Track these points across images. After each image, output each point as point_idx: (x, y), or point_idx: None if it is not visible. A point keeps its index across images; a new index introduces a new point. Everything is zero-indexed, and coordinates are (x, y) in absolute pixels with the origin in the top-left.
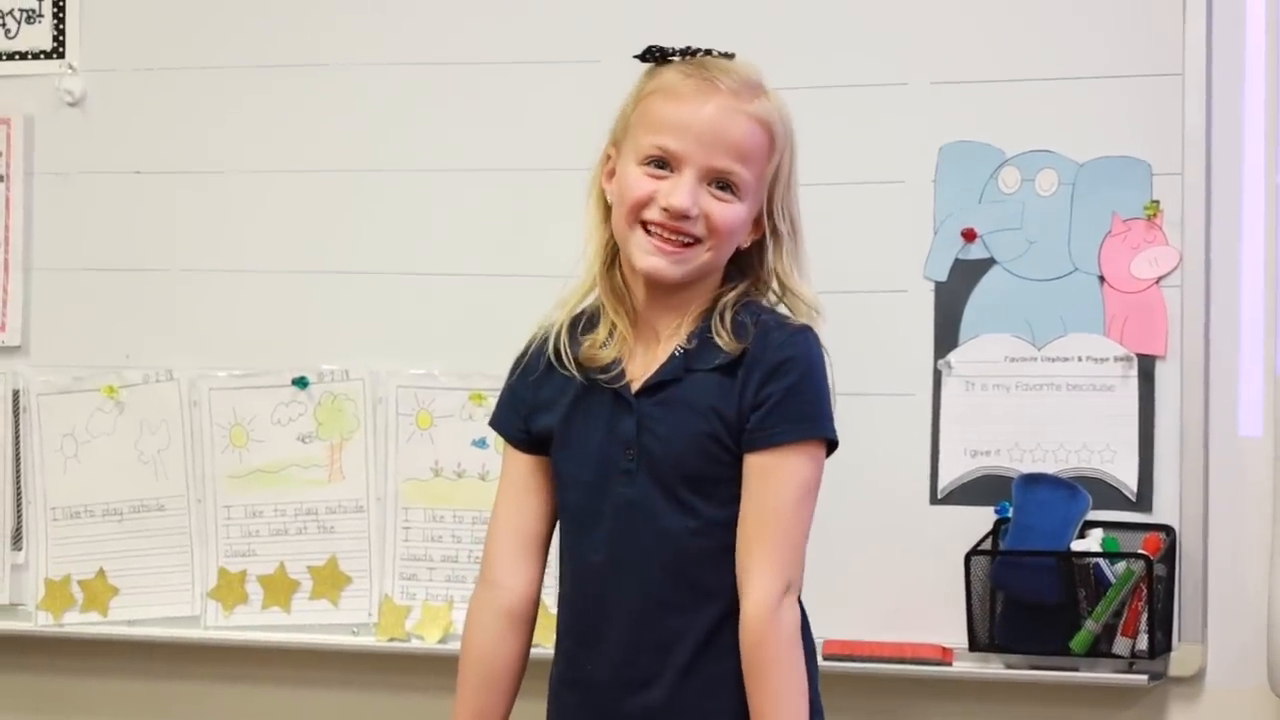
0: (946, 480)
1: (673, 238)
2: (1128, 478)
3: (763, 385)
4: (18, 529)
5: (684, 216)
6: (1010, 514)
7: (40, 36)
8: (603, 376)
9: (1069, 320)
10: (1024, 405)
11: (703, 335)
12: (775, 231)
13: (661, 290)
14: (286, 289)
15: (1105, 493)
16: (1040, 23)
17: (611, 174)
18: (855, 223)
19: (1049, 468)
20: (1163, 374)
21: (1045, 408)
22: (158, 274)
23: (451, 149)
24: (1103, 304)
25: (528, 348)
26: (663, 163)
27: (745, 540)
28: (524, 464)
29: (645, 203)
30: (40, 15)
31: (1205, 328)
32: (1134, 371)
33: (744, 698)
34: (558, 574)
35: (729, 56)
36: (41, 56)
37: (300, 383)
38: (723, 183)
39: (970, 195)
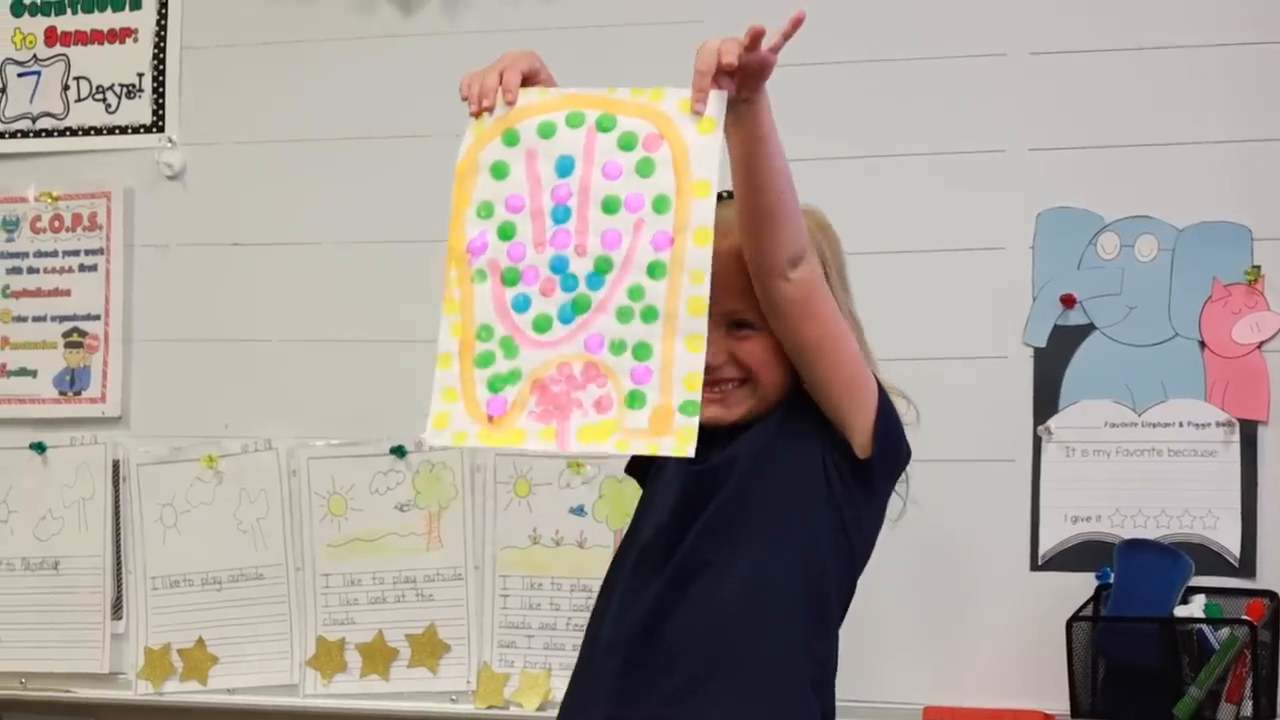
0: (1047, 546)
1: (714, 390)
2: (1230, 543)
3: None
4: (118, 598)
5: (709, 369)
6: (1112, 580)
7: (140, 111)
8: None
9: (1170, 385)
10: (1125, 471)
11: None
12: None
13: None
14: (384, 358)
15: (1208, 558)
16: (1138, 88)
17: None
18: (955, 289)
19: (1150, 533)
20: (1265, 439)
21: (1146, 473)
22: (256, 344)
23: None
24: (1204, 369)
25: None
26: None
27: None
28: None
29: None
30: (140, 90)
31: None
32: (1236, 436)
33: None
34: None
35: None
36: (141, 130)
37: (398, 451)
38: (737, 322)
39: (1069, 261)
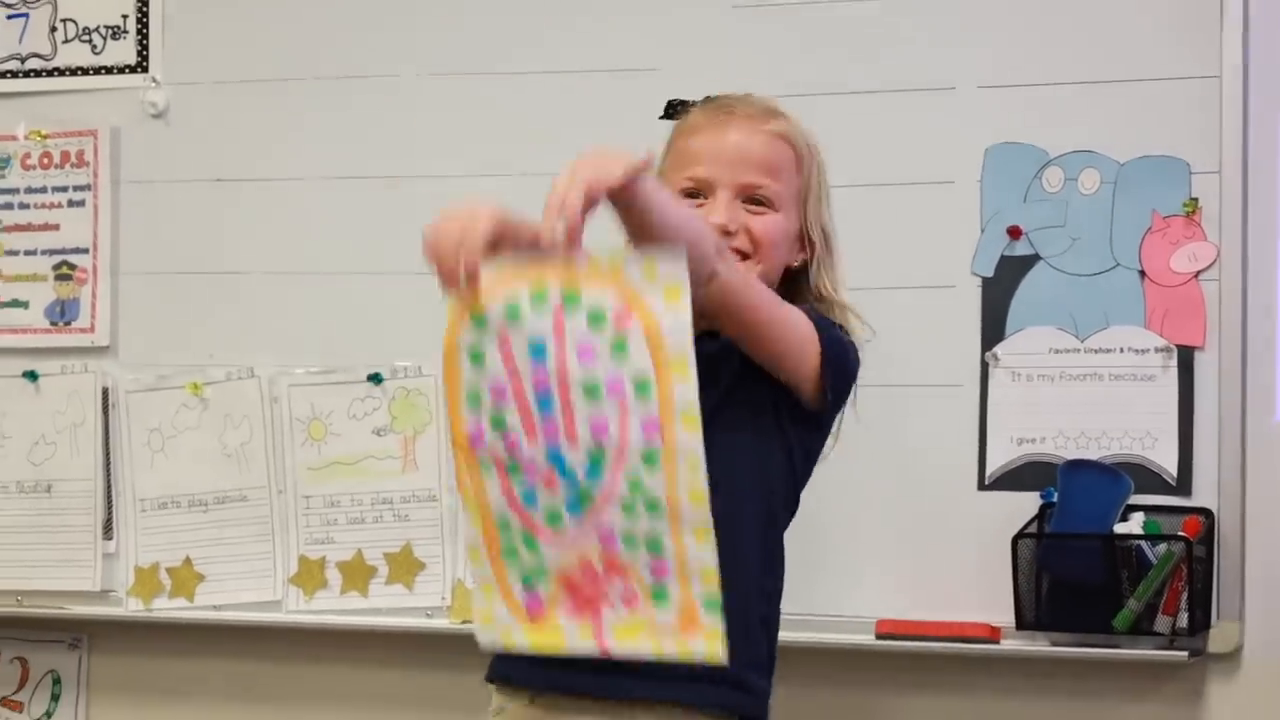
0: (994, 467)
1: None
2: (1168, 463)
3: None
4: (108, 520)
5: (726, 233)
6: (1055, 499)
7: (125, 52)
8: None
9: (1111, 313)
10: (1068, 395)
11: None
12: (810, 245)
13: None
14: (361, 290)
15: (1146, 478)
16: (1082, 28)
17: None
18: (906, 222)
19: (1092, 454)
20: (1201, 364)
21: (1088, 397)
22: (239, 277)
23: (507, 155)
24: (1143, 298)
25: None
26: (696, 193)
27: None
28: None
29: None
30: (125, 32)
31: (1242, 319)
32: (1174, 362)
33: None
34: None
35: (746, 97)
36: (126, 71)
37: (375, 378)
38: (756, 198)
39: (1015, 194)
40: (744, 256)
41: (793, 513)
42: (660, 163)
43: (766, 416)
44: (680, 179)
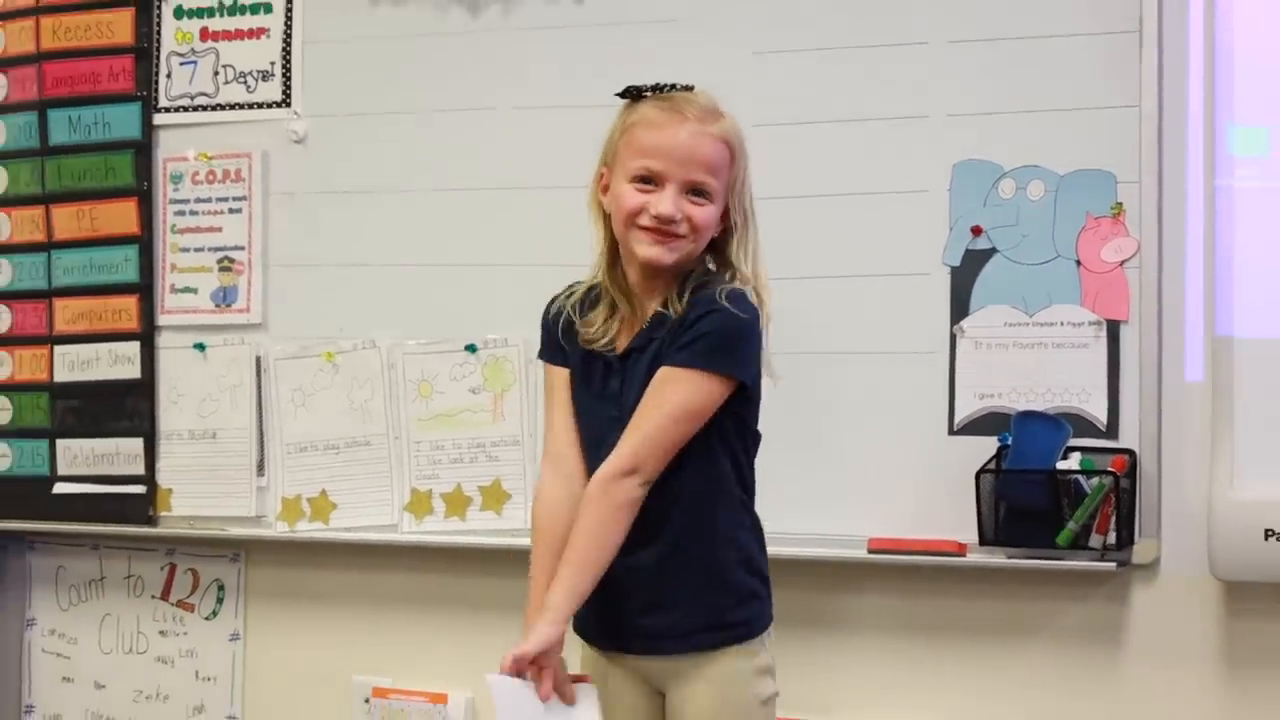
0: (961, 416)
1: (665, 238)
2: (1099, 413)
3: (686, 329)
4: (260, 460)
5: (670, 221)
6: (1010, 442)
7: (273, 90)
8: (598, 347)
9: (1053, 294)
10: (1019, 359)
11: (662, 311)
12: (732, 225)
13: (650, 277)
14: (459, 278)
15: (1082, 425)
16: (1029, 68)
17: (606, 188)
18: (889, 223)
19: (1039, 406)
20: (1126, 334)
21: (1036, 360)
22: (363, 268)
23: (581, 173)
24: (1079, 281)
25: (559, 303)
26: (648, 179)
27: (628, 425)
28: (566, 385)
29: (638, 212)
30: (273, 75)
31: (1158, 299)
32: (1104, 333)
33: (708, 563)
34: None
35: (690, 89)
36: (274, 106)
37: (470, 348)
38: (697, 190)
39: (977, 200)
40: (681, 238)
41: (756, 444)
42: (614, 133)
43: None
44: (635, 165)
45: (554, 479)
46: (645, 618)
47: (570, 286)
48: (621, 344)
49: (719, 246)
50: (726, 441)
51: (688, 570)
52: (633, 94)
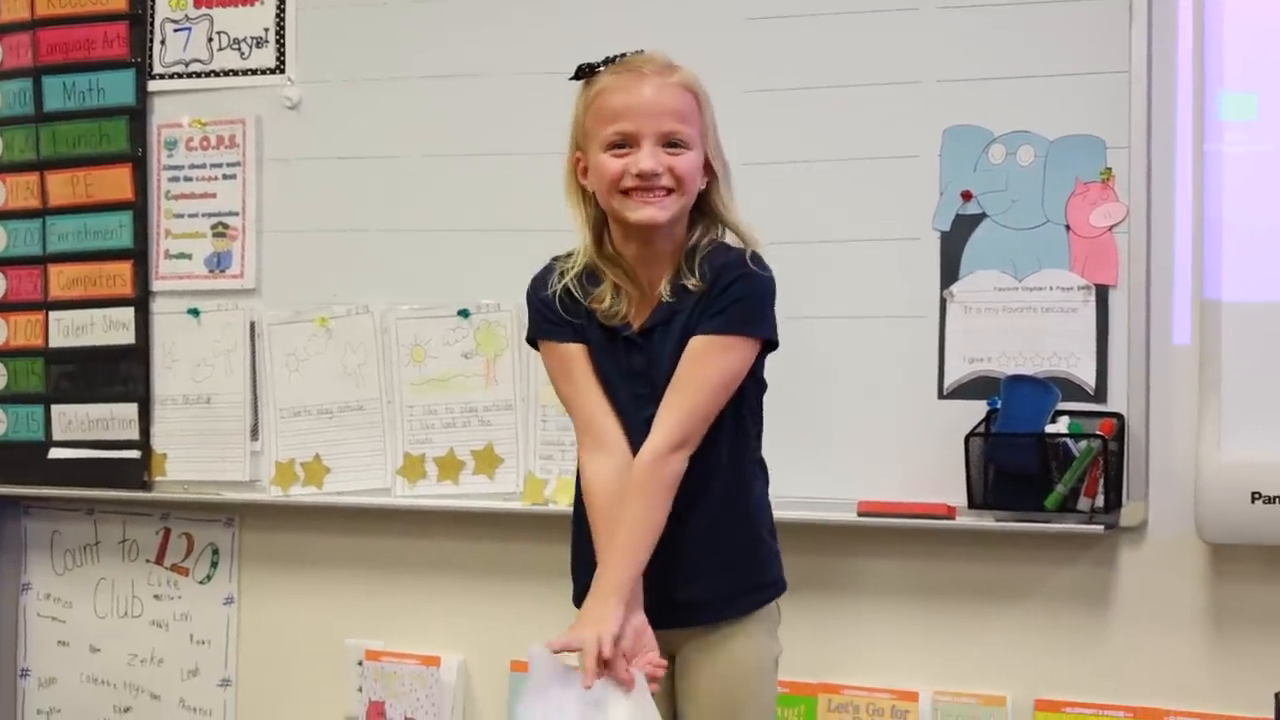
0: (950, 380)
1: (652, 195)
2: (1088, 377)
3: (716, 297)
4: (255, 424)
5: (654, 175)
6: (999, 406)
7: (267, 57)
8: (612, 323)
9: (1043, 259)
10: (1009, 323)
11: (678, 284)
12: (712, 172)
13: (647, 244)
14: (452, 243)
15: (1071, 389)
16: (1019, 32)
17: (584, 171)
18: (882, 188)
19: (1028, 370)
20: (1114, 299)
21: (1025, 325)
22: (357, 234)
23: (557, 140)
24: (1068, 246)
25: (547, 279)
26: (622, 144)
27: (666, 399)
28: (587, 359)
29: (620, 177)
30: (267, 41)
31: (1147, 264)
32: (1092, 297)
33: (736, 539)
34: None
35: (640, 52)
36: (268, 72)
37: (463, 313)
38: (673, 142)
39: (967, 166)
40: (669, 191)
41: (765, 391)
42: (579, 113)
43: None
44: (607, 133)
45: (603, 456)
46: (686, 589)
47: (551, 265)
48: (636, 320)
49: (702, 198)
50: (747, 400)
51: (730, 537)
52: (586, 71)
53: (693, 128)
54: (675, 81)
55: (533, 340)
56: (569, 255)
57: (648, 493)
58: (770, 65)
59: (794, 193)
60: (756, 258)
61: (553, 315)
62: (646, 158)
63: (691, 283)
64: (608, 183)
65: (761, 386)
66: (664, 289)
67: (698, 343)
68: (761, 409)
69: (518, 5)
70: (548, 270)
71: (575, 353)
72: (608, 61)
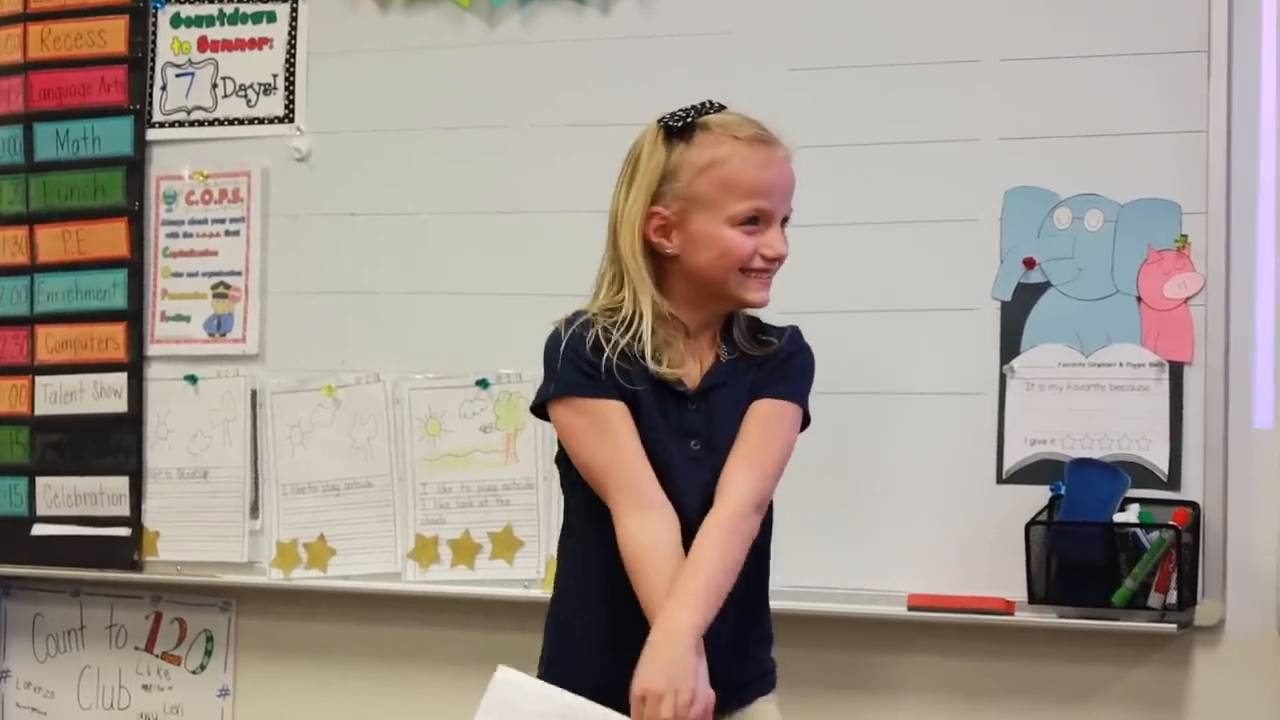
0: (1010, 463)
1: (768, 276)
2: (1160, 462)
3: (782, 364)
4: (255, 501)
5: (782, 260)
6: (1063, 491)
7: (275, 105)
8: (666, 381)
9: (1112, 333)
10: (1074, 402)
11: (730, 341)
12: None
13: (704, 311)
14: (471, 308)
15: (1142, 474)
16: (1089, 88)
17: (662, 229)
18: (937, 254)
19: (1095, 454)
20: (1190, 377)
21: (1092, 404)
22: (368, 296)
23: (602, 197)
24: (1140, 319)
25: (584, 335)
26: (755, 219)
27: (741, 459)
28: (628, 417)
29: (751, 257)
30: (275, 88)
31: (1225, 339)
32: (1165, 375)
33: (766, 602)
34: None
35: (724, 108)
36: (275, 121)
37: (482, 383)
38: (784, 221)
39: (1030, 230)
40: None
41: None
42: (686, 173)
43: None
44: (741, 208)
45: (656, 515)
46: (729, 667)
47: (587, 320)
48: (690, 378)
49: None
50: None
51: (761, 611)
52: (682, 124)
53: None
54: (789, 157)
55: (555, 397)
56: (609, 312)
57: (731, 544)
58: (814, 120)
59: (839, 257)
60: (799, 331)
61: (593, 371)
62: (780, 242)
63: (755, 347)
64: (734, 259)
65: None
66: (722, 351)
67: (770, 406)
68: None
69: (544, 52)
70: (584, 325)
71: (617, 411)
72: (700, 111)
